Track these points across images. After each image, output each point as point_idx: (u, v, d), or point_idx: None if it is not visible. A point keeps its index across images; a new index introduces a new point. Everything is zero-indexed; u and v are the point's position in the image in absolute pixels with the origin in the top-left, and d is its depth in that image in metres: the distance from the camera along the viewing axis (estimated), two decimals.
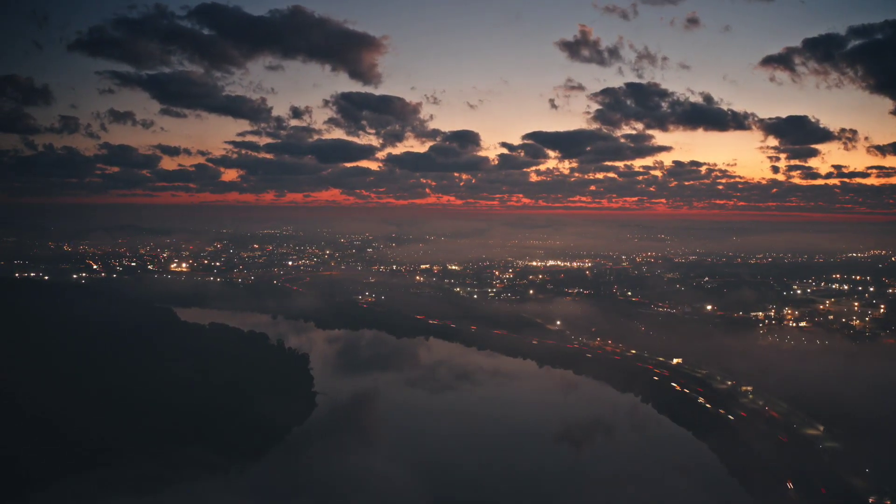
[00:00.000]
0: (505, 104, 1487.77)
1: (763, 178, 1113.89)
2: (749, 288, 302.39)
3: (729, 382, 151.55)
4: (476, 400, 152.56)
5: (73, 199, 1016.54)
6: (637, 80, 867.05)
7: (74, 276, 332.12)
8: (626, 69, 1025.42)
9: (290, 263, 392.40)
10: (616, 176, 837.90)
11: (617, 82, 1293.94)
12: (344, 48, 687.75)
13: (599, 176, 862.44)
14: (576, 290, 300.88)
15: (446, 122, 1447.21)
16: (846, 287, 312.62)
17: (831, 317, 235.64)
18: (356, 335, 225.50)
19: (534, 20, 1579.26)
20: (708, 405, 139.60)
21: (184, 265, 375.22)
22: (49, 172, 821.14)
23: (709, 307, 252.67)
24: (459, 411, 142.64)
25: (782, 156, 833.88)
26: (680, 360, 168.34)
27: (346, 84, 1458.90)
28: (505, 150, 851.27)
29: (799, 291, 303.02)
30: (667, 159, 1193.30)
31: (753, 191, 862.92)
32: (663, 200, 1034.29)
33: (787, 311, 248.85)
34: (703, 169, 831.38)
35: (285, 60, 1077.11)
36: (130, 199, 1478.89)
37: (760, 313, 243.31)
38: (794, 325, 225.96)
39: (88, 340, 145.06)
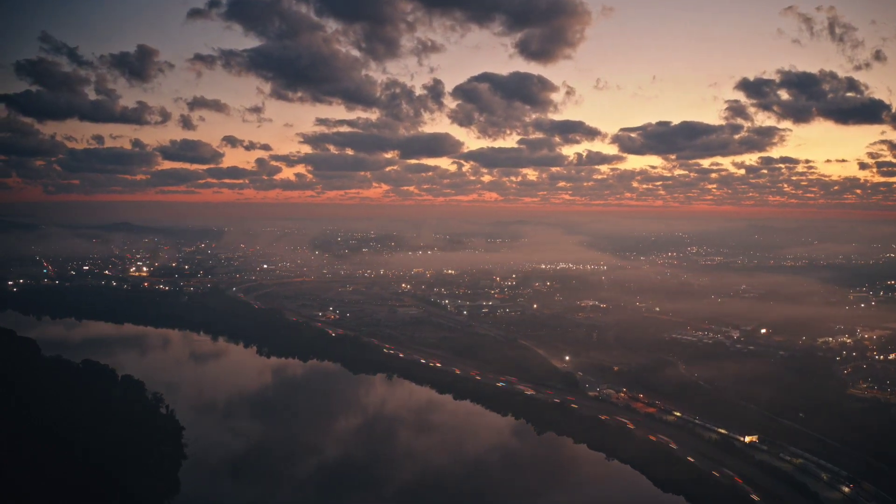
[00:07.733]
0: (671, 93, 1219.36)
1: (840, 176, 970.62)
2: (798, 298, 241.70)
3: (845, 489, 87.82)
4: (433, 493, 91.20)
5: (108, 197, 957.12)
6: (806, 70, 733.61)
7: (10, 282, 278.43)
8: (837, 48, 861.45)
9: (263, 267, 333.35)
10: (690, 173, 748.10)
11: (807, 66, 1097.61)
12: (549, 15, 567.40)
13: (677, 173, 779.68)
14: (591, 303, 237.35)
15: (586, 113, 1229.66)
16: None
17: None
18: (301, 370, 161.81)
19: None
20: None
21: (144, 269, 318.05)
22: (102, 168, 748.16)
23: (763, 330, 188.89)
24: None
25: (889, 152, 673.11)
26: (755, 438, 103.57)
27: (514, 63, 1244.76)
28: (595, 143, 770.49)
29: (863, 305, 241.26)
30: (753, 157, 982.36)
31: (811, 188, 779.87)
32: (709, 197, 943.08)
33: (861, 334, 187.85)
34: (785, 167, 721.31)
35: (470, 25, 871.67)
36: (170, 196, 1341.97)
37: (830, 339, 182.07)
38: (882, 357, 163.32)
39: None
